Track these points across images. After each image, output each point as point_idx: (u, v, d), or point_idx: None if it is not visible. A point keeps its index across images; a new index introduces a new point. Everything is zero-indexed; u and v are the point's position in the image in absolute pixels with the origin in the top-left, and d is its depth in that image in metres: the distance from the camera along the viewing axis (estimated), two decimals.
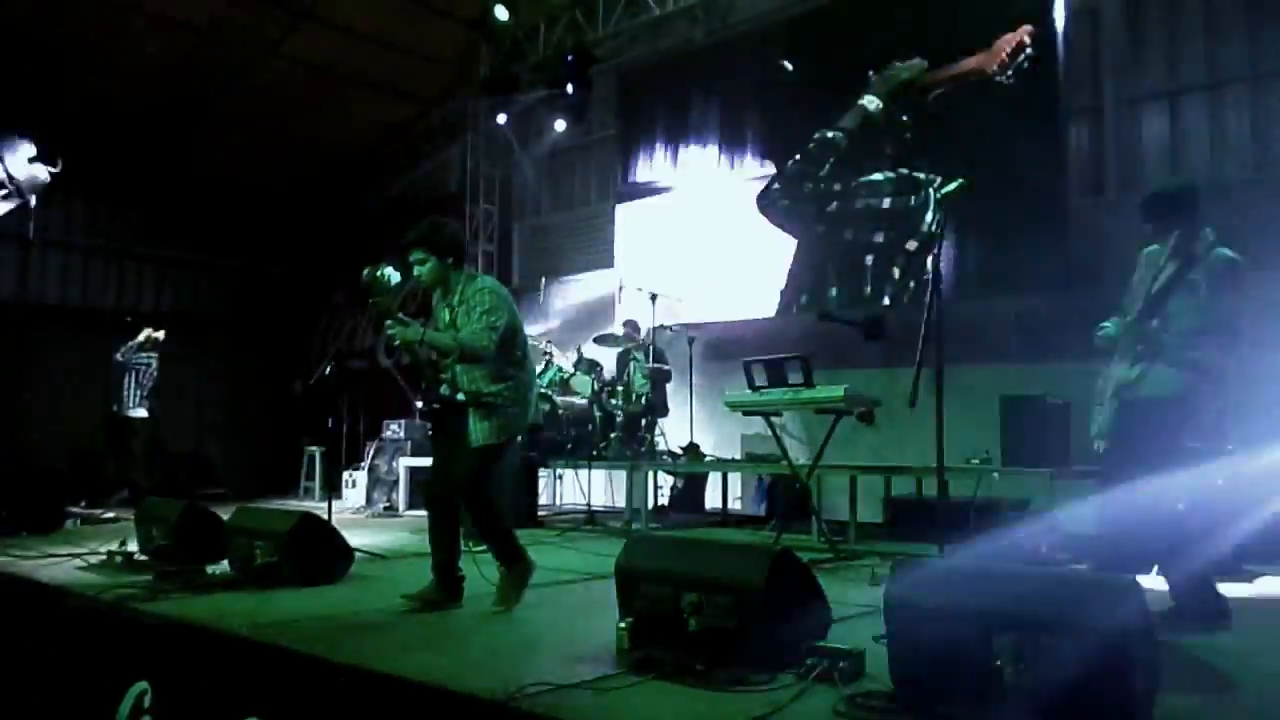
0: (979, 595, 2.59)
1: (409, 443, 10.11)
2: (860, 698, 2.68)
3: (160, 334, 9.47)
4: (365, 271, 4.47)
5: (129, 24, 10.49)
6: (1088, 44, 8.22)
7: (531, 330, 11.41)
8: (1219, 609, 3.77)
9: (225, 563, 5.20)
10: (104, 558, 5.72)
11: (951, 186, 4.22)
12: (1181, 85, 7.86)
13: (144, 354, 9.29)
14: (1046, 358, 7.56)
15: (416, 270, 4.40)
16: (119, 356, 9.22)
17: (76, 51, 10.73)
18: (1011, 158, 7.85)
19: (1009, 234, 7.90)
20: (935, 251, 4.03)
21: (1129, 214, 7.51)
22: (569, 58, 10.74)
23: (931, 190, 7.89)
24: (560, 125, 11.45)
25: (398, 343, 4.38)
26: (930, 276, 3.93)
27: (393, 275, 4.42)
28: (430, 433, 4.71)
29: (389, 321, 4.34)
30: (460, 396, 4.31)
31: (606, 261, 11.36)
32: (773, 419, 6.39)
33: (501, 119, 11.95)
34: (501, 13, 10.98)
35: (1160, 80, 7.96)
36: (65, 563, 5.69)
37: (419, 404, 8.06)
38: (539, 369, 9.45)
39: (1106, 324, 4.11)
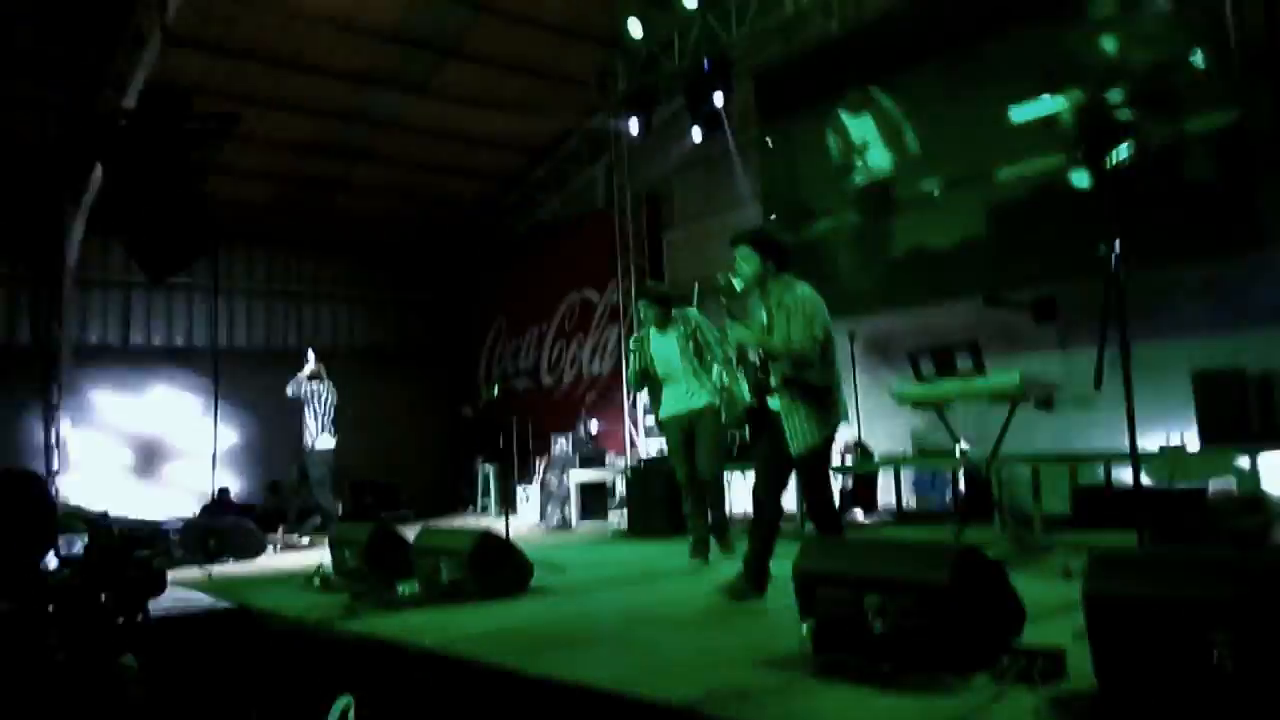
0: (1194, 584, 2.40)
1: (577, 457, 10.30)
2: (1063, 699, 2.54)
3: (316, 363, 9.80)
4: (721, 277, 4.74)
5: (290, 79, 11.16)
6: None
7: None
8: None
9: (414, 581, 5.42)
10: (303, 582, 6.07)
11: (1121, 151, 3.98)
12: None
13: (314, 384, 9.64)
14: (1241, 326, 7.01)
15: (739, 266, 4.67)
16: (289, 391, 9.64)
17: (241, 110, 11.50)
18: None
19: (1188, 190, 7.34)
20: (1112, 220, 3.79)
21: None
22: (705, 64, 10.74)
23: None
24: (699, 133, 11.44)
25: (733, 340, 4.75)
26: (1108, 250, 3.70)
27: (737, 282, 4.70)
28: (750, 436, 5.09)
29: (730, 321, 4.66)
30: (775, 403, 4.56)
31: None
32: (944, 411, 6.18)
33: (637, 130, 12.02)
34: (635, 28, 11.09)
35: None
36: (269, 587, 6.08)
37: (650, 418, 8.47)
38: None
39: None
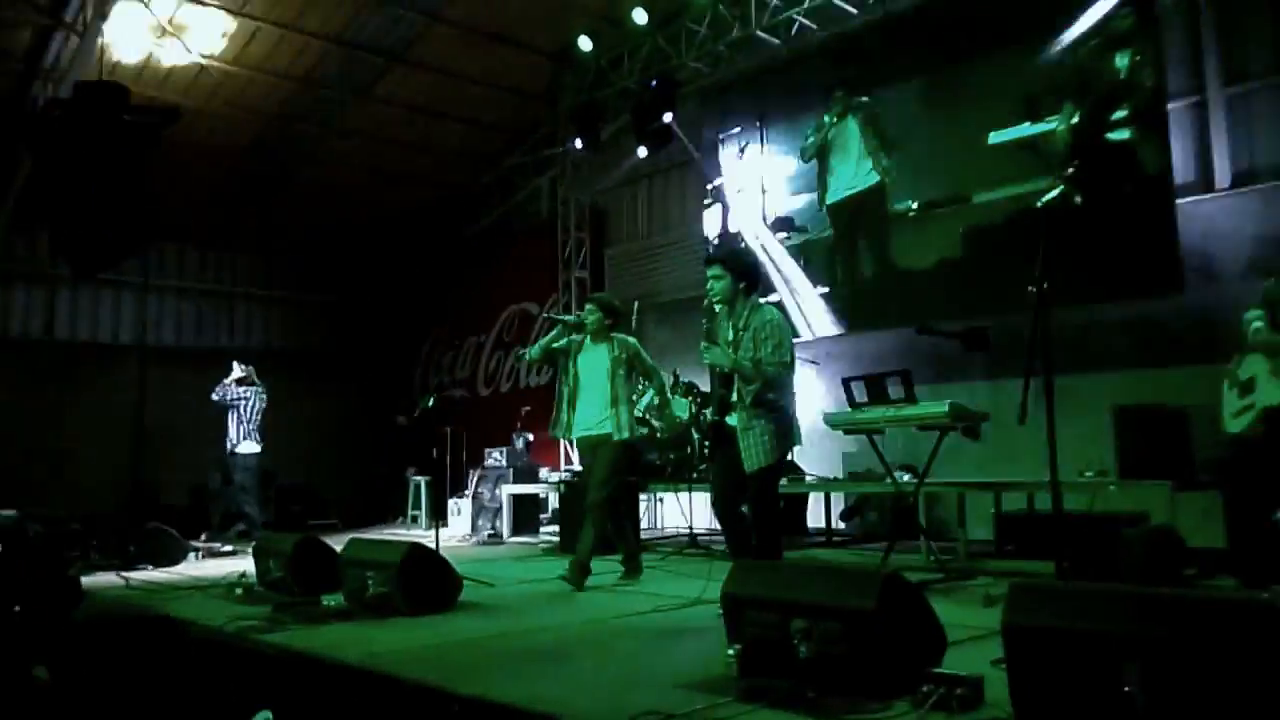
0: (1107, 617, 2.48)
1: (511, 470, 10.25)
2: None
3: (248, 368, 9.69)
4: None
5: (232, 75, 10.98)
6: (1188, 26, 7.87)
7: None
8: None
9: (339, 594, 5.33)
10: (224, 590, 5.94)
11: (1051, 195, 4.10)
12: None
13: (241, 389, 9.54)
14: (1161, 362, 7.26)
15: (711, 285, 4.85)
16: (214, 395, 9.51)
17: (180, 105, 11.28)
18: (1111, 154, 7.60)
19: (1113, 235, 7.62)
20: (1039, 259, 3.90)
21: (1242, 208, 7.31)
22: (653, 83, 10.82)
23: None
24: (644, 151, 11.51)
25: (708, 361, 4.84)
26: (1035, 286, 3.82)
27: (718, 306, 4.96)
28: (708, 451, 5.37)
29: (705, 344, 4.84)
30: (733, 420, 4.74)
31: (698, 284, 11.33)
32: (875, 437, 6.27)
33: (586, 145, 12.06)
34: (584, 43, 11.14)
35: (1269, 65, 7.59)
36: (189, 595, 5.93)
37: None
38: (636, 394, 9.48)
39: (1256, 319, 3.81)
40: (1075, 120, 7.87)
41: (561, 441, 12.11)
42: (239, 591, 5.80)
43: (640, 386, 6.24)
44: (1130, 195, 7.50)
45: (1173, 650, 2.32)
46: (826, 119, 9.78)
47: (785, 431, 4.76)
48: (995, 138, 8.40)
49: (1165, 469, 5.88)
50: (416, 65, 11.43)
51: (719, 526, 5.10)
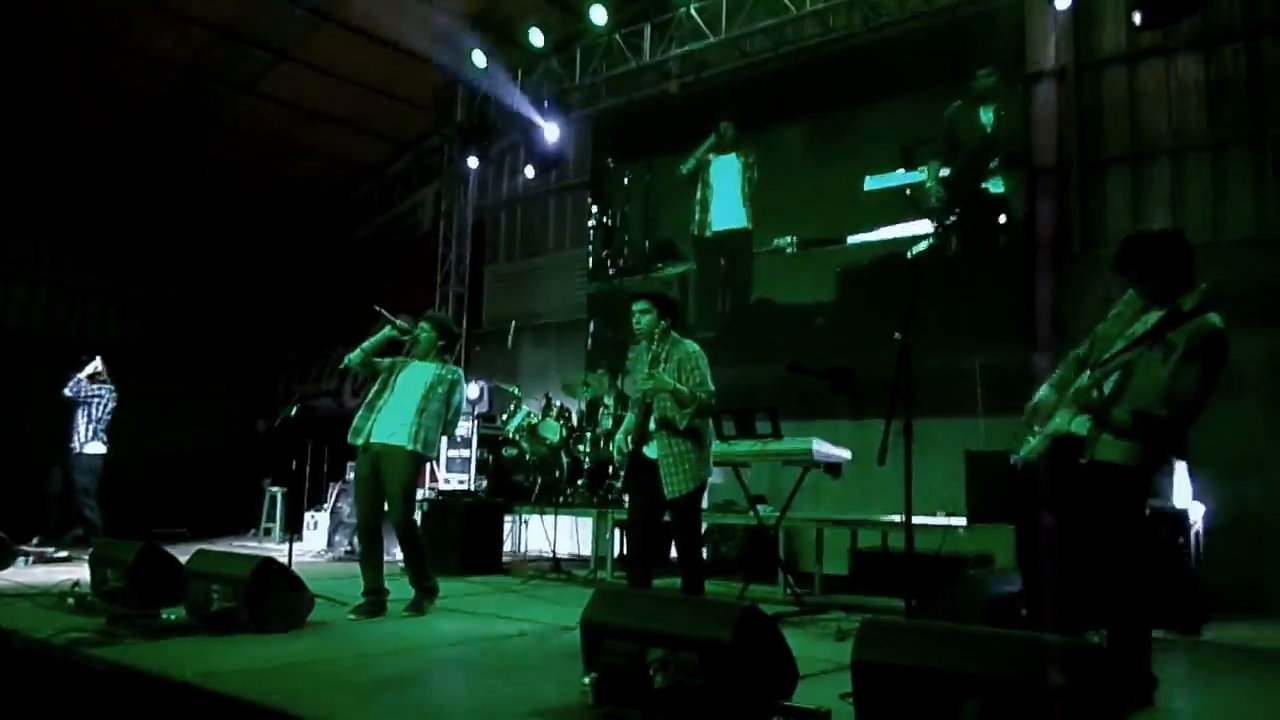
0: (948, 656, 2.59)
1: None
2: None
3: (99, 364, 9.21)
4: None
5: (111, 59, 10.48)
6: (1051, 100, 8.39)
7: (501, 375, 11.41)
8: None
9: (181, 607, 5.08)
10: (55, 599, 5.58)
11: (920, 247, 4.29)
12: (1145, 148, 8.03)
13: (94, 386, 9.07)
14: (1013, 411, 7.62)
15: (637, 319, 5.12)
16: (67, 391, 9.01)
17: (55, 84, 10.70)
18: (976, 214, 8.04)
19: (975, 290, 8.03)
20: (906, 307, 4.07)
21: (1092, 271, 7.79)
22: (544, 104, 10.84)
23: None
24: (531, 171, 11.52)
25: (647, 387, 5.00)
26: (899, 334, 3.97)
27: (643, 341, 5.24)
28: (625, 479, 5.55)
29: (648, 371, 4.99)
30: (649, 451, 5.00)
31: (579, 308, 11.38)
32: (740, 469, 6.39)
33: (474, 163, 11.99)
34: (479, 59, 11.09)
35: (1123, 142, 8.13)
36: (15, 603, 5.56)
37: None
38: (507, 415, 9.41)
39: (1041, 391, 3.92)
40: (944, 173, 8.33)
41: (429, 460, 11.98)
42: (71, 601, 5.46)
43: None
44: (1003, 247, 7.96)
45: (1008, 688, 2.43)
46: (709, 141, 10.09)
47: (705, 459, 5.03)
48: (870, 183, 8.79)
49: (1010, 515, 6.14)
50: (303, 63, 11.14)
51: (624, 552, 5.24)
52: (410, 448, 5.55)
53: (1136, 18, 7.17)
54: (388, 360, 5.90)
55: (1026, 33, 8.29)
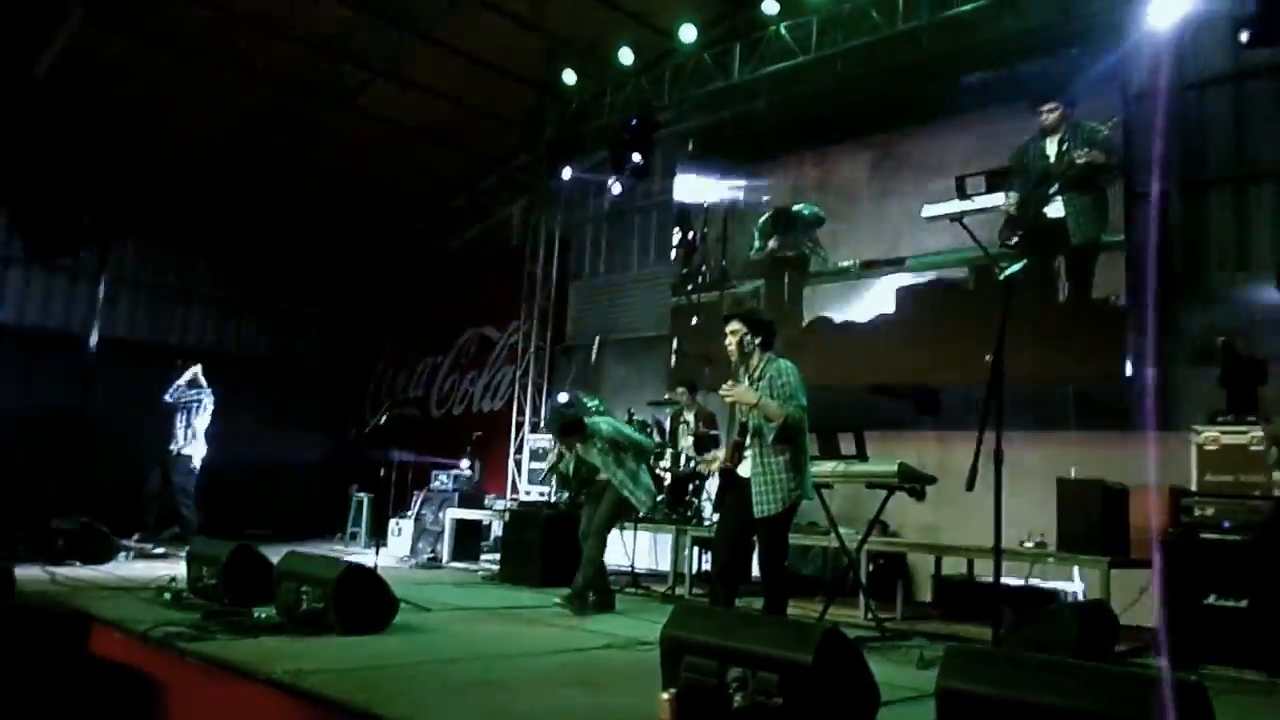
0: (1033, 689, 2.52)
1: (456, 494, 10.15)
2: None
3: (198, 371, 9.57)
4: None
5: (211, 74, 10.91)
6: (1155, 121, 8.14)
7: (584, 389, 11.49)
8: None
9: (271, 606, 5.23)
10: (153, 594, 5.80)
11: (1015, 268, 4.21)
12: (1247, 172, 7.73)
13: (193, 391, 9.45)
14: (1106, 437, 7.41)
15: (729, 338, 5.11)
16: (168, 397, 9.41)
17: (159, 100, 11.17)
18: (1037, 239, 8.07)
19: (1074, 313, 7.85)
20: (999, 332, 3.99)
21: (1198, 297, 7.54)
22: (633, 122, 10.93)
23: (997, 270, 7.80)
24: (618, 188, 11.60)
25: (730, 399, 4.98)
26: (992, 358, 3.90)
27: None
28: (718, 495, 5.51)
29: (731, 381, 4.99)
30: (744, 470, 4.94)
31: (661, 324, 11.41)
32: (823, 490, 6.31)
33: (565, 178, 12.13)
34: (569, 76, 11.24)
35: (1226, 164, 7.85)
36: (116, 596, 5.79)
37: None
38: None
39: None
40: (1009, 200, 8.38)
41: (510, 468, 12.15)
42: (168, 596, 5.67)
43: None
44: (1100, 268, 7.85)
45: None
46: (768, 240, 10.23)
47: (798, 481, 4.90)
48: (928, 211, 8.81)
49: (1102, 544, 5.96)
50: (399, 80, 11.44)
51: (710, 569, 5.16)
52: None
53: (1243, 36, 6.93)
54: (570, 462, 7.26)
55: (1129, 51, 8.04)
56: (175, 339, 13.79)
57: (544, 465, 9.11)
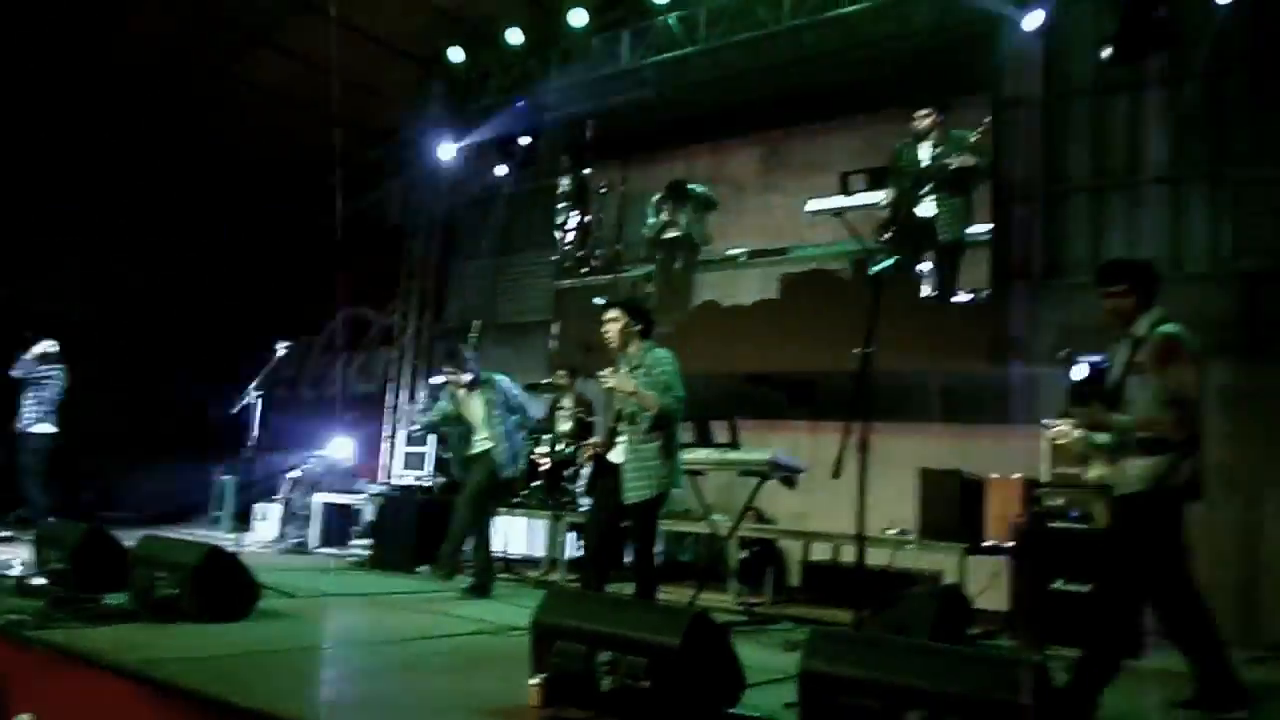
0: (894, 669, 2.62)
1: (324, 478, 9.91)
2: None
3: (54, 345, 9.06)
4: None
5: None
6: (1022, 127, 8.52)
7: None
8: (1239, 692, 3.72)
9: (125, 593, 4.99)
10: None
11: (885, 264, 4.34)
12: (1104, 181, 8.17)
13: (44, 367, 8.91)
14: (968, 429, 7.74)
15: (608, 326, 5.11)
16: (15, 372, 8.84)
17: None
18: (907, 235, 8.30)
19: (940, 309, 8.14)
20: (869, 326, 4.11)
21: (1056, 297, 7.93)
22: (519, 104, 10.82)
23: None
24: (503, 170, 11.48)
25: (609, 385, 5.03)
26: (861, 351, 4.01)
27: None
28: (592, 480, 5.64)
29: (608, 370, 5.07)
30: (616, 455, 5.02)
31: (544, 309, 11.35)
32: (697, 477, 6.41)
33: (447, 158, 11.92)
34: (456, 54, 11.03)
35: (1085, 172, 8.27)
36: None
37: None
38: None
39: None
40: (883, 199, 8.61)
41: (383, 452, 11.91)
42: (10, 582, 5.36)
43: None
44: (967, 265, 8.13)
45: (951, 702, 2.47)
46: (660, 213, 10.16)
47: (671, 468, 4.97)
48: (813, 205, 9.00)
49: (959, 532, 6.23)
50: (279, 49, 11.03)
51: (582, 554, 5.21)
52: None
53: (1105, 52, 7.31)
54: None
55: (1000, 60, 8.38)
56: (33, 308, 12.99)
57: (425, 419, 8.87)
